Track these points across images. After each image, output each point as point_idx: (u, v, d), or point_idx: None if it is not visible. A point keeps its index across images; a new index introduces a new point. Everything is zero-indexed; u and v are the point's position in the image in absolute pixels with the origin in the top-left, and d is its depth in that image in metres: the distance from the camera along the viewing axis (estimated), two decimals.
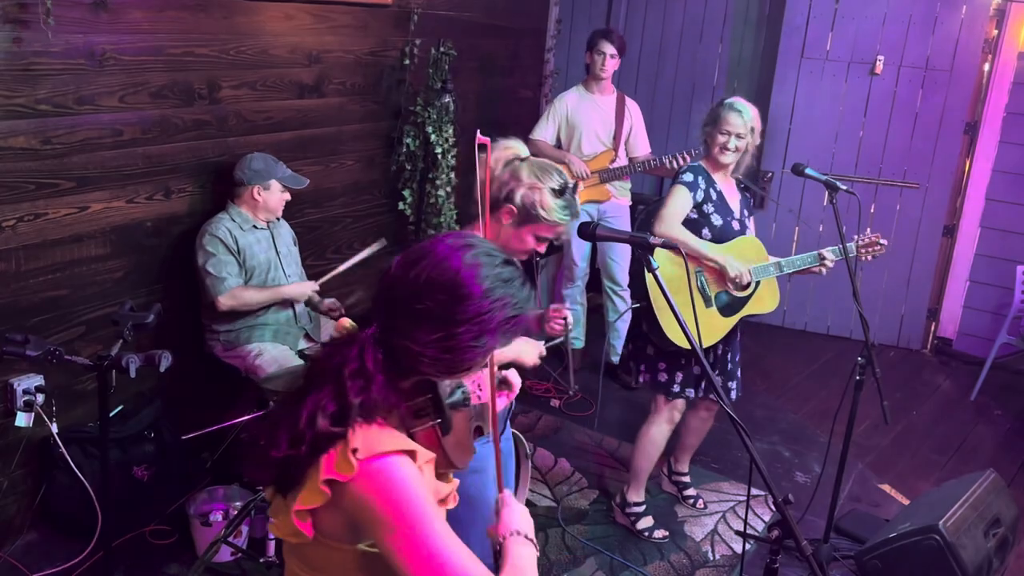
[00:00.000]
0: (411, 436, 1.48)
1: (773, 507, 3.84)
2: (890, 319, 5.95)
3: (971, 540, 3.10)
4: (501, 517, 1.60)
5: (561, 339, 2.57)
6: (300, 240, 3.93)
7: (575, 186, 2.39)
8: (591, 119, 4.83)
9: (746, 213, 3.54)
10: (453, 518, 2.07)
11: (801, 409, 4.97)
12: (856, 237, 3.58)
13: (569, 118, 4.85)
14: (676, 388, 3.50)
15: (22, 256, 3.13)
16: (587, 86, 4.89)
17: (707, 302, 3.40)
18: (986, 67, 5.53)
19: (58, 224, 3.22)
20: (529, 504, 3.60)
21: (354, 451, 1.36)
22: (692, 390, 3.50)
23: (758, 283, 3.45)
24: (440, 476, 1.57)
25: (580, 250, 5.02)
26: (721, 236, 3.42)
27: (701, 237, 3.40)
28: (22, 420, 3.12)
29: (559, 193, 2.31)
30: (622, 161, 4.88)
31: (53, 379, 3.22)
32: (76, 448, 3.22)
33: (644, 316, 3.40)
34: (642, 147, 4.93)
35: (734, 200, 3.50)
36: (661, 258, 3.28)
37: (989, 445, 4.72)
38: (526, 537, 1.56)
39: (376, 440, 1.39)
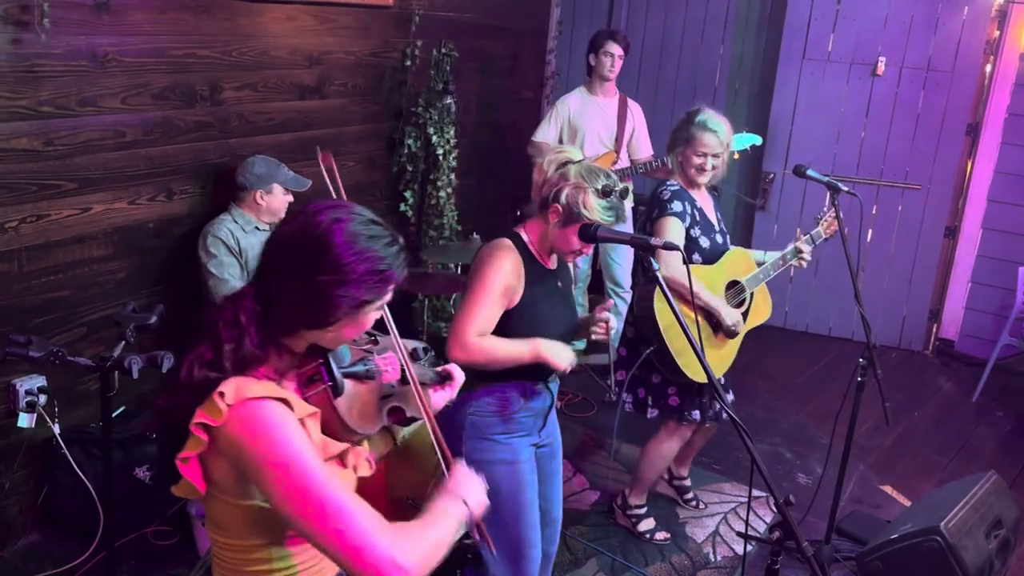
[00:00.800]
0: (307, 400, 1.54)
1: (774, 508, 3.83)
2: (892, 320, 5.95)
3: (972, 542, 3.10)
4: (449, 478, 1.65)
5: (603, 360, 2.63)
6: None
7: (625, 190, 2.40)
8: (593, 121, 4.83)
9: (719, 215, 3.52)
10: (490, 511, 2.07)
11: (802, 410, 4.97)
12: (818, 219, 3.56)
13: (572, 120, 4.85)
14: (690, 415, 3.45)
15: (24, 257, 3.14)
16: (590, 88, 4.89)
17: (715, 330, 3.36)
18: (988, 68, 5.52)
19: (60, 225, 3.23)
20: None
21: (221, 394, 1.40)
22: (699, 412, 3.47)
23: (751, 294, 3.45)
24: (346, 440, 1.60)
25: None
26: (711, 256, 3.37)
27: (692, 261, 3.32)
28: (24, 421, 3.13)
29: (604, 194, 2.36)
30: (624, 163, 4.88)
31: (55, 380, 3.23)
32: (78, 449, 3.23)
33: (657, 358, 3.26)
34: (644, 149, 4.93)
35: (710, 209, 3.46)
36: (667, 304, 3.22)
37: (991, 446, 4.72)
38: (465, 503, 1.58)
39: (246, 387, 1.43)
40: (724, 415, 3.44)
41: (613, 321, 2.56)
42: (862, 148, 5.85)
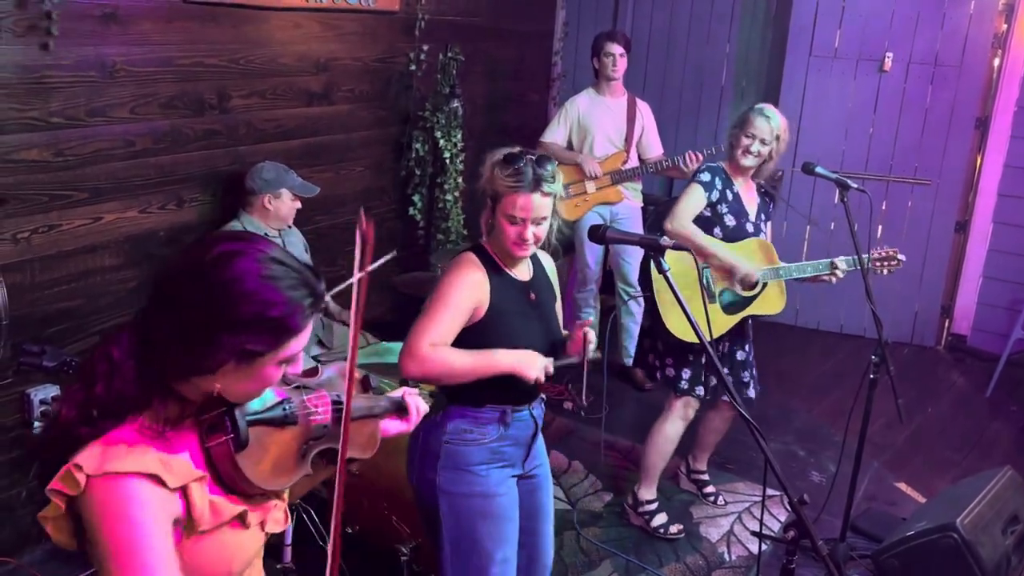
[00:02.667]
0: (207, 451, 1.39)
1: (789, 507, 3.82)
2: (903, 316, 5.93)
3: (989, 538, 3.08)
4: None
5: (576, 359, 2.48)
6: (311, 247, 3.95)
7: (541, 157, 2.27)
8: (603, 121, 4.83)
9: (763, 217, 3.54)
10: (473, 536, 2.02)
11: (815, 408, 4.96)
12: (874, 250, 3.52)
13: (581, 121, 4.85)
14: (684, 384, 3.51)
15: (37, 267, 3.16)
16: (598, 89, 4.89)
17: (711, 298, 3.42)
18: (996, 62, 5.50)
19: (72, 235, 3.25)
20: None
21: (78, 466, 1.26)
22: (701, 388, 3.50)
23: (765, 284, 3.46)
24: (259, 497, 1.47)
25: (592, 253, 5.02)
26: (733, 236, 3.43)
27: (712, 235, 3.42)
28: (39, 430, 3.14)
29: (509, 161, 2.23)
30: (633, 162, 4.88)
31: None
32: None
33: (648, 308, 3.48)
34: (655, 148, 4.93)
35: (752, 204, 3.51)
36: (669, 254, 3.27)
37: (1005, 442, 4.69)
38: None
39: (114, 458, 1.28)
40: (722, 391, 3.50)
41: (591, 336, 2.39)
42: (870, 144, 5.83)
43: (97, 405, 1.30)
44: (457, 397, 2.34)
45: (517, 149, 2.27)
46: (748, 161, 3.41)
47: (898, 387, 3.22)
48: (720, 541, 3.68)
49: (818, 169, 3.38)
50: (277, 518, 1.53)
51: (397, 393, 1.86)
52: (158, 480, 1.29)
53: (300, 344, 1.39)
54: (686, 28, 6.22)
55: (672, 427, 3.61)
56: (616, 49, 4.75)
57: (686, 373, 3.50)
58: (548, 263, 2.56)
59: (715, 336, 3.45)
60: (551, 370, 2.30)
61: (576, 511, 3.82)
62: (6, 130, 2.98)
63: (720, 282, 3.44)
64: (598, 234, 2.34)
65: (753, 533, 3.72)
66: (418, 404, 1.86)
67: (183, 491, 1.33)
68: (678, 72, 6.29)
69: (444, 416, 2.34)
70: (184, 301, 1.31)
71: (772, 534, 3.72)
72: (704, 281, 3.40)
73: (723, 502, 3.92)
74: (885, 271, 3.55)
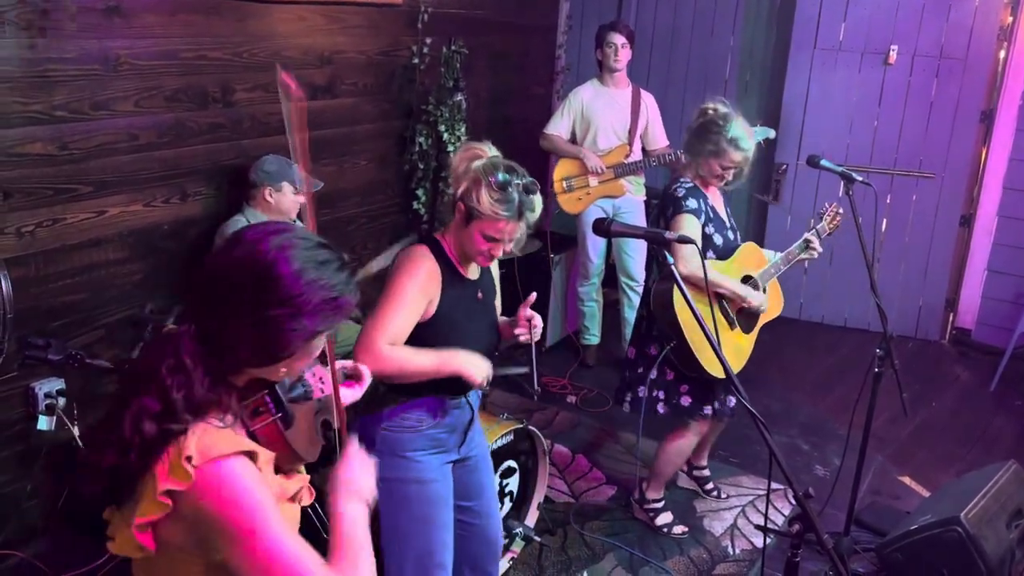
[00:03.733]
0: (252, 435, 1.45)
1: (792, 501, 3.83)
2: (908, 310, 5.92)
3: (993, 532, 3.08)
4: (340, 465, 1.57)
5: (522, 371, 2.53)
6: None
7: (532, 183, 2.30)
8: (606, 113, 4.82)
9: (728, 211, 3.53)
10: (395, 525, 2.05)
11: (819, 402, 4.95)
12: (820, 214, 3.67)
13: (584, 112, 4.84)
14: (706, 411, 3.45)
15: (42, 261, 3.16)
16: (602, 80, 4.88)
17: (731, 324, 3.38)
18: (1001, 55, 5.48)
19: (76, 229, 3.25)
20: (547, 500, 3.61)
21: (188, 458, 1.31)
22: (709, 408, 3.47)
23: (765, 289, 3.45)
24: (290, 472, 1.54)
25: (595, 246, 5.02)
26: (724, 253, 3.39)
27: (706, 258, 3.33)
28: (44, 424, 3.15)
29: (500, 188, 2.24)
30: (636, 156, 4.87)
31: (74, 383, 3.25)
32: None
33: (676, 353, 3.29)
34: (660, 140, 4.92)
35: (720, 206, 3.48)
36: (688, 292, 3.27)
37: (1009, 435, 4.69)
38: (358, 495, 1.52)
39: (212, 443, 1.34)
40: (735, 410, 3.46)
41: (538, 320, 2.42)
42: (875, 137, 5.81)
43: (177, 411, 1.34)
44: (396, 386, 2.37)
45: (504, 168, 2.28)
46: (720, 184, 3.40)
47: (902, 381, 3.22)
48: (724, 535, 3.68)
49: (823, 162, 3.37)
50: (306, 493, 1.59)
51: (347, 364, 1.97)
52: (251, 455, 1.37)
53: (347, 315, 1.49)
54: (690, 21, 6.21)
55: (686, 443, 3.60)
56: (618, 39, 4.74)
57: (702, 401, 3.43)
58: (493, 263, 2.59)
59: (746, 359, 3.46)
60: (491, 376, 2.35)
61: (579, 504, 3.83)
62: (10, 124, 2.98)
63: (732, 305, 3.40)
64: (603, 227, 2.34)
65: (757, 527, 3.73)
66: (366, 371, 1.95)
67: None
68: (682, 66, 6.27)
69: (391, 409, 2.38)
70: (254, 301, 1.36)
71: (776, 528, 3.72)
72: (722, 309, 3.36)
73: (725, 496, 3.92)
74: (837, 225, 3.64)
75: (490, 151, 2.35)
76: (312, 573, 1.34)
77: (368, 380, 1.91)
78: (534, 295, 2.46)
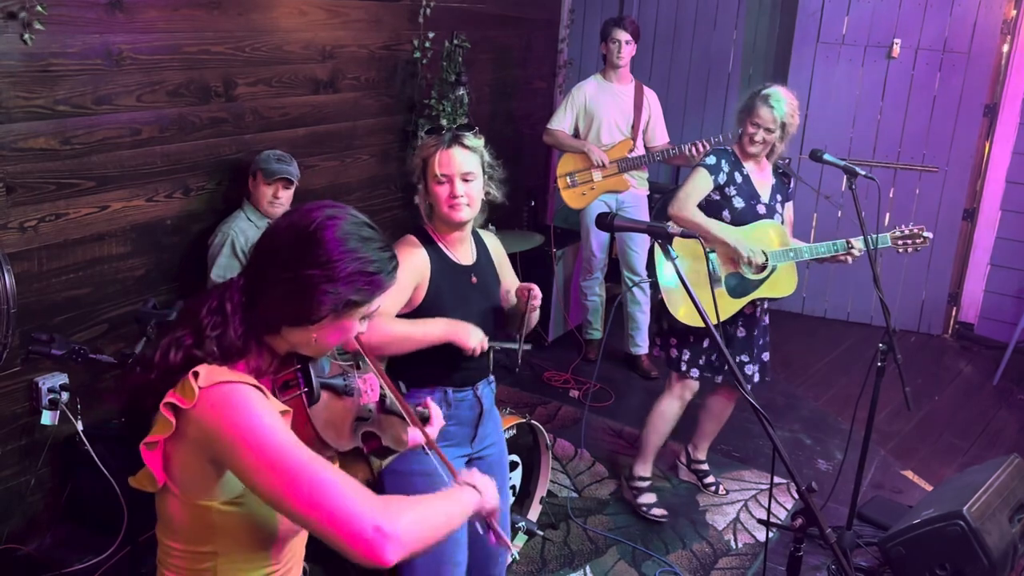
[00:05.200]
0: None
1: (795, 495, 3.83)
2: (911, 304, 5.92)
3: (996, 526, 3.08)
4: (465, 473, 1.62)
5: (512, 345, 2.51)
6: None
7: (467, 124, 2.39)
8: (610, 108, 4.82)
9: (779, 198, 3.52)
10: None
11: (822, 396, 4.95)
12: (897, 227, 3.47)
13: (588, 107, 4.84)
14: (683, 367, 3.54)
15: (44, 256, 3.16)
16: (605, 75, 4.88)
17: (716, 282, 3.43)
18: (1005, 48, 5.46)
19: (79, 224, 3.25)
20: (550, 494, 3.61)
21: (196, 375, 1.37)
22: (697, 371, 3.54)
23: (774, 267, 3.44)
24: (320, 450, 1.53)
25: (598, 241, 5.01)
26: (741, 219, 3.43)
27: (721, 219, 3.42)
28: (48, 418, 3.15)
29: (429, 132, 2.35)
30: (640, 151, 4.87)
31: (77, 377, 3.26)
32: (101, 446, 3.25)
33: (655, 292, 3.51)
34: (660, 136, 4.92)
35: (765, 185, 3.49)
36: (676, 240, 3.30)
37: (1012, 430, 4.69)
38: (477, 490, 1.56)
39: (222, 372, 1.41)
40: (724, 371, 3.52)
41: (536, 291, 2.43)
42: (878, 131, 5.80)
43: (207, 352, 1.42)
44: (399, 376, 2.35)
45: (442, 125, 2.40)
46: (753, 148, 3.42)
47: (905, 375, 3.21)
48: (726, 529, 3.68)
49: (826, 156, 3.36)
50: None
51: (423, 407, 1.90)
52: (263, 391, 1.42)
53: (382, 301, 1.54)
54: (693, 15, 6.20)
55: (669, 406, 3.67)
56: (623, 36, 4.73)
57: (686, 355, 3.53)
58: (493, 244, 2.59)
59: (721, 320, 3.45)
60: (485, 345, 2.36)
61: (582, 498, 3.83)
62: (13, 118, 2.98)
63: (726, 265, 3.43)
64: (606, 222, 2.34)
65: (760, 521, 3.73)
66: (440, 421, 1.89)
67: None
68: (685, 59, 6.26)
69: None
70: (294, 259, 1.44)
71: (779, 522, 3.73)
72: (709, 266, 3.40)
73: (724, 491, 3.92)
74: (910, 249, 3.44)
75: None
76: (326, 478, 1.31)
77: (438, 424, 1.87)
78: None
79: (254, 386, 1.41)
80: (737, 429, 4.20)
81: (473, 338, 2.31)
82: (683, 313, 3.40)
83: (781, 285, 3.49)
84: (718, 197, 3.43)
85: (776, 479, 3.93)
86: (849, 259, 3.47)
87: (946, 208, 5.75)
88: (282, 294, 1.44)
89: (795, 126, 3.42)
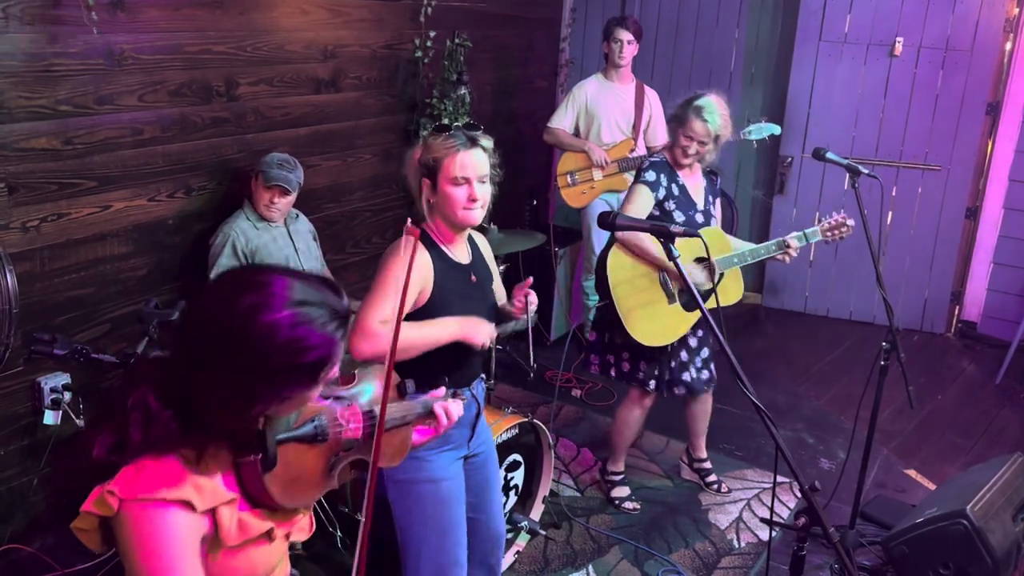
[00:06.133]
0: (237, 466, 1.41)
1: (797, 494, 3.82)
2: (913, 303, 5.90)
3: (999, 525, 3.08)
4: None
5: (520, 322, 2.50)
6: (319, 235, 3.93)
7: (470, 124, 2.35)
8: (611, 108, 4.81)
9: (711, 199, 3.55)
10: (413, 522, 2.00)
11: (824, 395, 4.95)
12: (821, 220, 3.56)
13: (588, 106, 4.83)
14: (649, 383, 3.56)
15: (46, 256, 3.16)
16: (607, 74, 4.87)
17: (670, 299, 3.43)
18: (1008, 46, 5.45)
19: (81, 223, 3.25)
20: (552, 494, 3.61)
21: (111, 492, 1.30)
22: (654, 382, 3.56)
23: (722, 275, 3.44)
24: (281, 510, 1.48)
25: (600, 241, 5.00)
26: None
27: None
28: (50, 418, 3.16)
29: (441, 130, 2.30)
30: (641, 150, 4.86)
31: (80, 377, 3.26)
32: None
33: (608, 315, 3.43)
34: (661, 136, 4.90)
35: (698, 190, 3.50)
36: (624, 262, 3.38)
37: (1015, 428, 4.68)
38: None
39: (146, 481, 1.30)
40: (694, 387, 3.54)
41: (533, 296, 2.43)
42: (881, 130, 5.79)
43: (132, 447, 1.32)
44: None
45: (446, 124, 2.35)
46: (686, 161, 3.43)
47: (908, 374, 3.21)
48: (729, 528, 3.68)
49: (828, 155, 3.36)
50: (302, 526, 1.56)
51: (427, 397, 1.85)
52: (187, 505, 1.32)
53: (337, 367, 1.41)
54: (695, 13, 6.19)
55: (630, 414, 3.72)
56: (625, 36, 4.73)
57: (642, 365, 3.54)
58: (483, 244, 2.59)
59: (681, 335, 3.46)
60: (495, 335, 2.36)
61: (584, 497, 3.83)
62: (14, 118, 2.98)
63: (677, 282, 3.42)
64: (608, 221, 2.34)
65: (763, 520, 3.73)
66: (447, 409, 1.86)
67: (212, 512, 1.35)
68: (686, 58, 6.25)
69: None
70: (216, 363, 1.31)
71: (782, 521, 3.73)
72: (662, 282, 3.42)
73: (726, 490, 3.92)
74: (838, 238, 3.52)
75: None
76: None
77: (451, 421, 1.84)
78: (531, 279, 2.45)
79: (176, 501, 1.31)
80: (740, 428, 4.20)
81: (482, 335, 2.31)
82: (645, 335, 3.38)
83: (729, 292, 3.51)
84: (658, 213, 3.40)
85: (779, 478, 3.92)
86: (787, 258, 3.49)
87: (949, 207, 5.74)
88: (208, 398, 1.31)
89: (727, 135, 3.40)
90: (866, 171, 3.29)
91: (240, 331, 1.30)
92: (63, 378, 3.21)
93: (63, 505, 1.38)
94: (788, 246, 3.44)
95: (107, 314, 3.41)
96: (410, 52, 4.63)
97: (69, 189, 3.19)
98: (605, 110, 4.81)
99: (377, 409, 1.54)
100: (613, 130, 4.82)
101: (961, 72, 5.53)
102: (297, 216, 3.74)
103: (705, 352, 3.62)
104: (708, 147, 3.37)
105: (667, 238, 2.21)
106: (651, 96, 4.90)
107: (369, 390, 1.68)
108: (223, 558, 1.39)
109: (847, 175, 3.32)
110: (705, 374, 3.63)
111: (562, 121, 4.88)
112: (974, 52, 5.48)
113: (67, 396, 3.19)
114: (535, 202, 5.57)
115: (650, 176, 3.41)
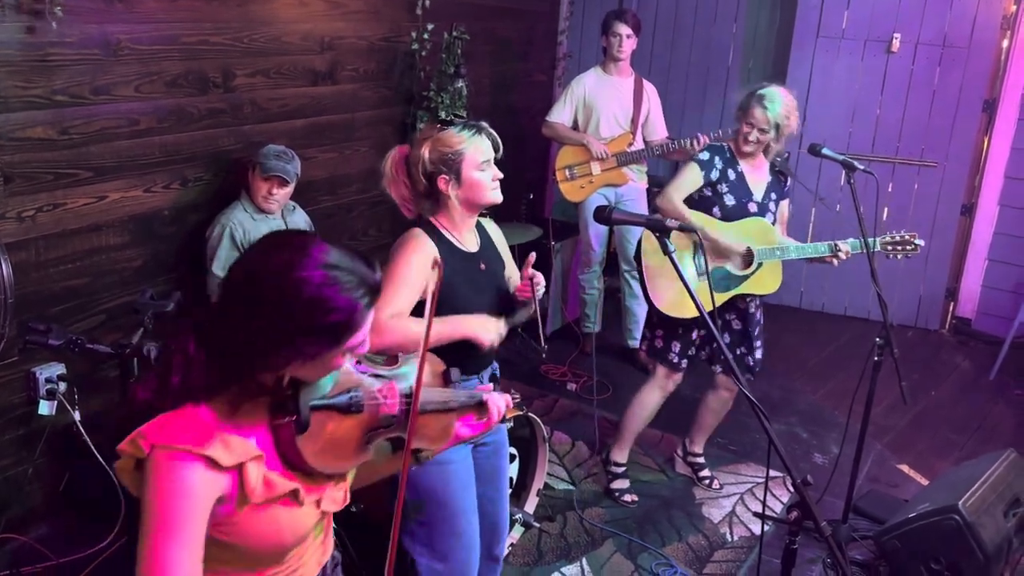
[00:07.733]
0: (274, 429, 1.46)
1: (791, 488, 3.84)
2: (908, 299, 5.92)
3: (991, 520, 3.09)
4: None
5: (528, 312, 2.51)
6: (316, 227, 3.94)
7: (477, 126, 2.38)
8: (609, 101, 4.81)
9: (773, 196, 3.53)
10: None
11: (819, 390, 4.96)
12: (889, 233, 3.49)
13: (587, 100, 4.83)
14: (673, 358, 3.57)
15: (42, 246, 3.16)
16: (605, 68, 4.87)
17: (699, 274, 3.45)
18: (1004, 43, 5.46)
19: (77, 214, 3.25)
20: (547, 487, 3.62)
21: (142, 435, 1.36)
22: (687, 361, 3.58)
23: (760, 264, 3.45)
24: (315, 475, 1.52)
25: (597, 234, 5.01)
26: (731, 216, 3.45)
27: (711, 214, 3.44)
28: (45, 408, 3.16)
29: (449, 124, 2.35)
30: (639, 144, 4.86)
31: (75, 367, 3.26)
32: (99, 435, 3.26)
33: (640, 280, 3.54)
34: (659, 131, 4.91)
35: (759, 183, 3.50)
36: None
37: (1008, 424, 4.70)
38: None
39: (175, 431, 1.36)
40: (721, 360, 3.55)
41: (540, 278, 2.40)
42: (877, 126, 5.80)
43: (172, 392, 1.39)
44: None
45: (449, 118, 2.38)
46: (747, 148, 3.44)
47: (902, 370, 3.22)
48: (722, 521, 3.69)
49: (824, 150, 3.36)
50: (335, 497, 1.58)
51: (479, 391, 1.85)
52: (211, 462, 1.37)
53: (362, 335, 1.45)
54: (693, 8, 6.18)
55: (650, 395, 3.70)
56: (623, 30, 4.72)
57: (676, 346, 3.56)
58: (493, 230, 2.59)
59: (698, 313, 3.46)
60: (504, 331, 2.35)
61: (578, 491, 3.84)
62: (10, 108, 2.97)
63: (712, 260, 3.45)
64: (604, 215, 2.35)
65: (755, 514, 3.74)
66: (499, 405, 1.85)
67: (238, 468, 1.40)
68: (684, 53, 6.25)
69: None
70: (247, 312, 1.37)
71: (774, 515, 3.74)
72: (695, 257, 3.45)
73: (718, 485, 3.93)
74: (899, 256, 3.49)
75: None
76: None
77: (500, 415, 1.83)
78: (533, 255, 2.43)
79: (200, 456, 1.36)
80: (734, 423, 4.21)
81: (491, 333, 2.31)
82: (666, 304, 3.43)
83: (765, 282, 3.50)
84: (710, 193, 3.45)
85: (772, 472, 3.93)
86: (835, 262, 3.47)
87: (944, 203, 5.75)
88: (237, 343, 1.38)
89: (792, 127, 3.40)
90: (862, 167, 3.29)
91: (271, 284, 1.37)
92: (58, 368, 3.21)
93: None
94: (839, 249, 3.42)
95: (102, 304, 3.41)
96: (407, 44, 4.63)
97: (65, 179, 3.18)
98: (604, 104, 4.80)
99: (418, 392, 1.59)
100: (611, 124, 4.82)
101: (958, 69, 5.54)
102: (294, 208, 3.75)
103: (752, 345, 3.62)
104: (769, 135, 3.38)
105: (663, 233, 2.22)
106: (650, 90, 4.89)
107: (411, 372, 1.70)
108: (250, 514, 1.43)
109: (843, 171, 3.32)
110: (750, 360, 3.61)
111: (560, 115, 4.87)
112: (971, 49, 5.48)
113: (62, 386, 3.19)
114: (532, 196, 5.57)
115: (704, 156, 3.47)
